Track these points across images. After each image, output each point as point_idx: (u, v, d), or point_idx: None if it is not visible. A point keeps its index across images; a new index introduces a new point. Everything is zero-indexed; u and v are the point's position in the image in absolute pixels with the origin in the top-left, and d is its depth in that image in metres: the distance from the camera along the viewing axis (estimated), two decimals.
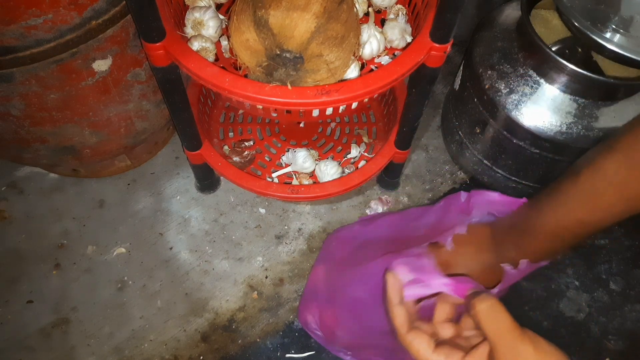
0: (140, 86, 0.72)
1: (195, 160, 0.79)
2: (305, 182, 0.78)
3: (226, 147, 0.82)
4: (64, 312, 0.80)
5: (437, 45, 0.56)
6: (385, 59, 0.66)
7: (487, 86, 0.76)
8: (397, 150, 0.77)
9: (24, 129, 0.69)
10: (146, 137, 0.83)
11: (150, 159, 0.95)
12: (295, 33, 0.57)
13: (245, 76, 0.60)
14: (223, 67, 0.57)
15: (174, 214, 0.90)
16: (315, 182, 0.77)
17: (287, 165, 0.80)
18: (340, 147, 0.85)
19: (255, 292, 0.83)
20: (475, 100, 0.80)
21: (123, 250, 0.86)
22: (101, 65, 0.65)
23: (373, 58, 0.66)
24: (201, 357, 0.77)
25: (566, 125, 0.71)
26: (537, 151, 0.76)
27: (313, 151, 0.80)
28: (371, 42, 0.64)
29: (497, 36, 0.78)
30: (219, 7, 0.69)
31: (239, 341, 0.78)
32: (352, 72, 0.61)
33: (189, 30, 0.64)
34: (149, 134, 0.83)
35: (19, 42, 0.56)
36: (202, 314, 0.80)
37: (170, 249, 0.86)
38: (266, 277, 0.84)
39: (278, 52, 0.58)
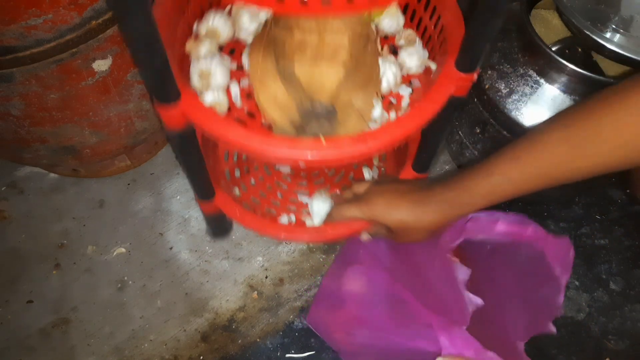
0: (140, 86, 0.72)
1: (208, 210, 0.73)
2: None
3: (236, 189, 0.77)
4: (64, 312, 0.80)
5: (464, 75, 0.53)
6: (402, 88, 0.62)
7: (487, 86, 0.76)
8: (416, 174, 0.74)
9: (24, 129, 0.69)
10: (146, 137, 0.83)
11: (150, 159, 0.95)
12: (326, 85, 0.52)
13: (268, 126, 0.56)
14: (241, 121, 0.54)
15: (174, 213, 0.90)
16: None
17: (301, 205, 0.77)
18: (352, 174, 0.81)
19: (255, 292, 0.83)
20: (475, 100, 0.80)
21: (123, 250, 0.86)
22: (101, 65, 0.65)
23: (391, 91, 0.62)
24: (201, 357, 0.77)
25: None
26: None
27: (324, 193, 0.76)
28: (387, 75, 0.60)
29: (497, 36, 0.78)
30: (220, 47, 0.64)
31: (239, 341, 0.78)
32: (377, 109, 0.57)
33: (195, 83, 0.58)
34: (149, 134, 0.83)
35: (19, 42, 0.56)
36: (202, 313, 0.80)
37: (170, 248, 0.86)
38: (266, 277, 0.84)
39: (309, 106, 0.53)
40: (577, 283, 0.87)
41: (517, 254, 0.60)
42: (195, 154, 0.59)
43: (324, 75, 0.52)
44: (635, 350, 0.81)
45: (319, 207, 0.72)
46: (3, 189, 0.91)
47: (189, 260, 0.85)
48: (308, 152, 0.48)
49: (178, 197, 0.91)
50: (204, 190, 0.68)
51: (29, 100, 0.64)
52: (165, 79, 0.45)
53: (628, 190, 0.97)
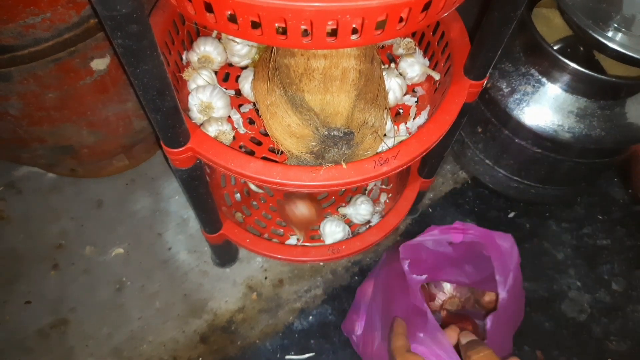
0: None
1: (216, 241, 0.73)
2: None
3: (239, 215, 0.76)
4: (62, 312, 0.79)
5: (475, 82, 0.53)
6: (407, 98, 0.62)
7: (488, 85, 0.76)
8: (424, 180, 0.75)
9: (22, 129, 0.68)
10: (144, 136, 0.83)
11: (148, 159, 0.95)
12: (340, 108, 0.50)
13: (279, 152, 0.55)
14: (252, 152, 0.53)
15: (172, 214, 0.89)
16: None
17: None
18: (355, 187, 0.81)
19: (255, 293, 0.82)
20: (477, 99, 0.80)
21: (121, 250, 0.85)
22: (99, 64, 0.64)
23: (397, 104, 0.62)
24: (200, 359, 0.76)
25: (568, 124, 0.71)
26: (539, 150, 0.75)
27: (336, 218, 0.75)
28: (393, 87, 0.59)
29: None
30: (214, 72, 0.63)
31: (238, 342, 0.78)
32: (388, 123, 0.56)
33: (196, 114, 0.57)
34: (148, 133, 0.83)
35: (17, 41, 0.56)
36: (201, 315, 0.80)
37: (169, 249, 0.86)
38: (265, 278, 0.84)
39: (326, 133, 0.50)
40: (579, 284, 0.86)
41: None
42: (204, 187, 0.58)
43: (337, 99, 0.50)
44: (637, 351, 0.80)
45: (331, 229, 0.72)
46: (1, 189, 0.91)
47: (188, 260, 0.85)
48: (329, 177, 0.47)
49: (177, 197, 0.91)
50: (212, 223, 0.68)
51: (27, 100, 0.63)
52: (176, 122, 0.44)
53: (630, 191, 0.97)
